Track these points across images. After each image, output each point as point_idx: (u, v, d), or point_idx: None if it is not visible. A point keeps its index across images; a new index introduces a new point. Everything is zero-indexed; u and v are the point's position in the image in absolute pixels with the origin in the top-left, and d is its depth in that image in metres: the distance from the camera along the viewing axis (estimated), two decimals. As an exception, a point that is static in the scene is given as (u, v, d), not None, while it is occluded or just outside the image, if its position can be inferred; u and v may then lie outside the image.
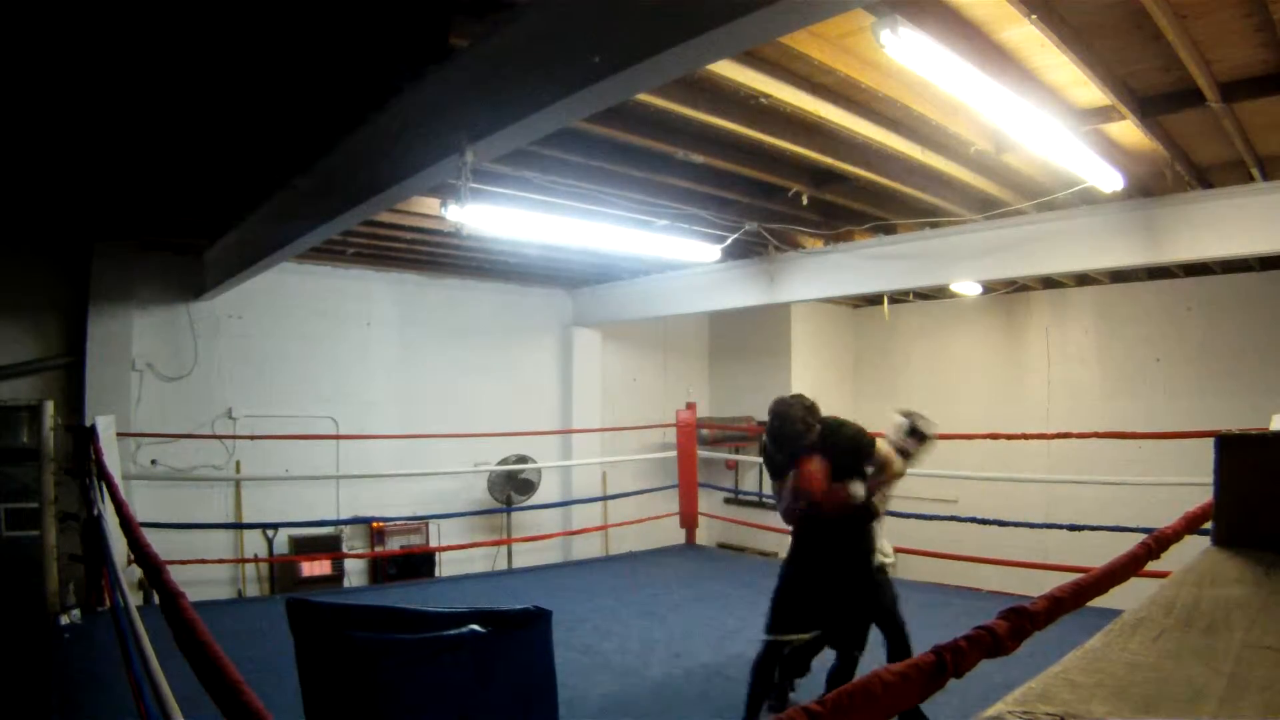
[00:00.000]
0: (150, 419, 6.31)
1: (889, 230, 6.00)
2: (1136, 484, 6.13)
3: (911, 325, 9.13)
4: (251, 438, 6.58)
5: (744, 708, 3.15)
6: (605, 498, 8.43)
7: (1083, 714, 0.59)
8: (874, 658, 3.21)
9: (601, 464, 8.62)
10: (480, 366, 8.08)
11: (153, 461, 6.40)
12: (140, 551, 1.93)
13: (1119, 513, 5.50)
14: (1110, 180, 4.31)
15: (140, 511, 5.50)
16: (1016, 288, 8.03)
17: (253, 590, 6.76)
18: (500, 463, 7.54)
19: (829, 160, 4.44)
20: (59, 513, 4.93)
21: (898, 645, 3.29)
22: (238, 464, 6.71)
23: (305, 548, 6.83)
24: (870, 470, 3.18)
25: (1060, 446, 7.18)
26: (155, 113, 3.85)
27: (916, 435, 3.53)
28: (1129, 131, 4.01)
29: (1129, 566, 1.40)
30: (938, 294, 8.57)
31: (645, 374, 9.49)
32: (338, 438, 6.99)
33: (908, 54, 2.79)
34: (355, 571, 7.16)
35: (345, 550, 7.00)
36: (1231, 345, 6.95)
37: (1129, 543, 1.49)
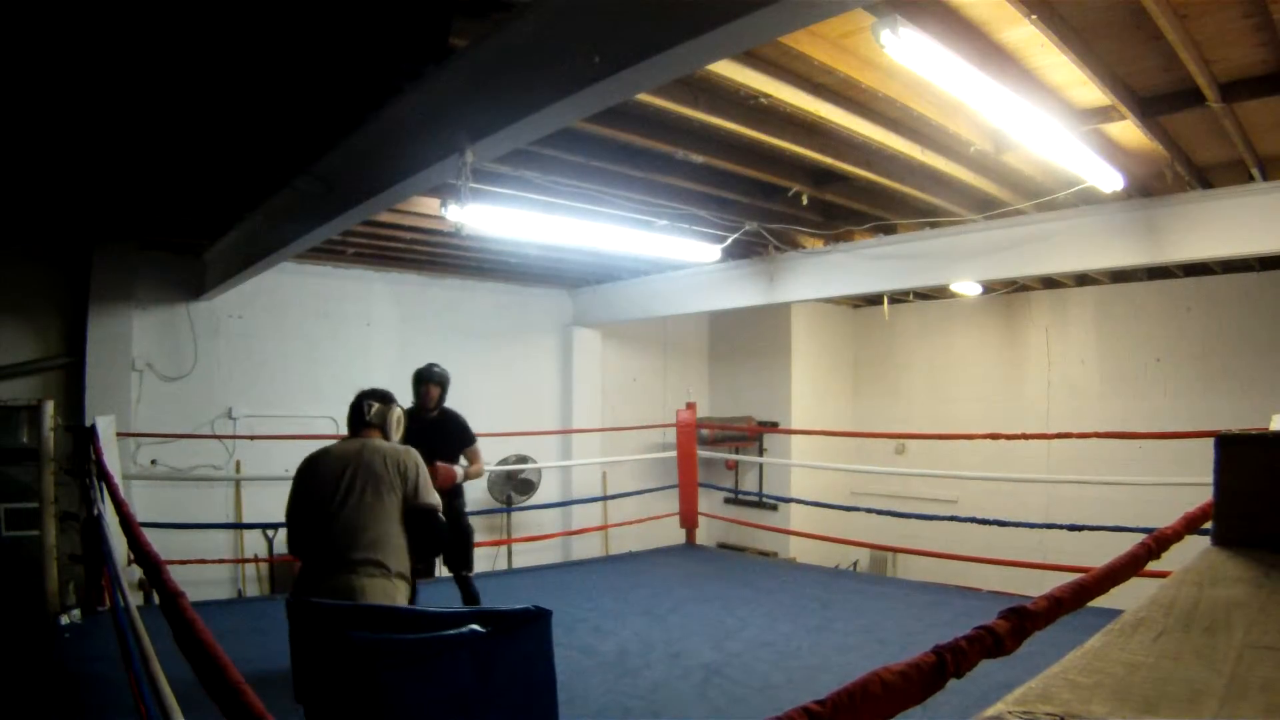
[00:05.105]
0: (150, 419, 6.31)
1: (889, 230, 6.00)
2: (1136, 484, 6.13)
3: (911, 325, 9.13)
4: (251, 438, 6.58)
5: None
6: (605, 498, 8.43)
7: (1083, 714, 0.59)
8: (875, 658, 3.21)
9: (601, 464, 8.61)
10: (480, 366, 8.08)
11: (153, 461, 6.40)
12: (140, 551, 1.93)
13: (1119, 513, 5.50)
14: (1110, 180, 4.30)
15: (140, 511, 5.50)
16: (1016, 288, 8.03)
17: (253, 590, 6.76)
18: (500, 463, 7.53)
19: (829, 160, 4.44)
20: (59, 513, 4.92)
21: None
22: (238, 464, 6.71)
23: (305, 548, 6.82)
24: None
25: (1060, 446, 7.18)
26: (155, 113, 3.85)
27: None
28: (1129, 131, 4.01)
29: (1129, 566, 1.40)
30: (938, 294, 8.57)
31: (645, 374, 9.48)
32: (338, 438, 6.97)
33: (908, 54, 2.78)
34: (355, 571, 7.15)
35: (345, 550, 6.99)
36: (1231, 345, 6.95)
37: (1129, 543, 1.49)
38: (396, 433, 3.16)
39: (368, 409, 3.03)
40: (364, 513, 2.78)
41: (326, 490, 2.83)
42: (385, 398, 3.13)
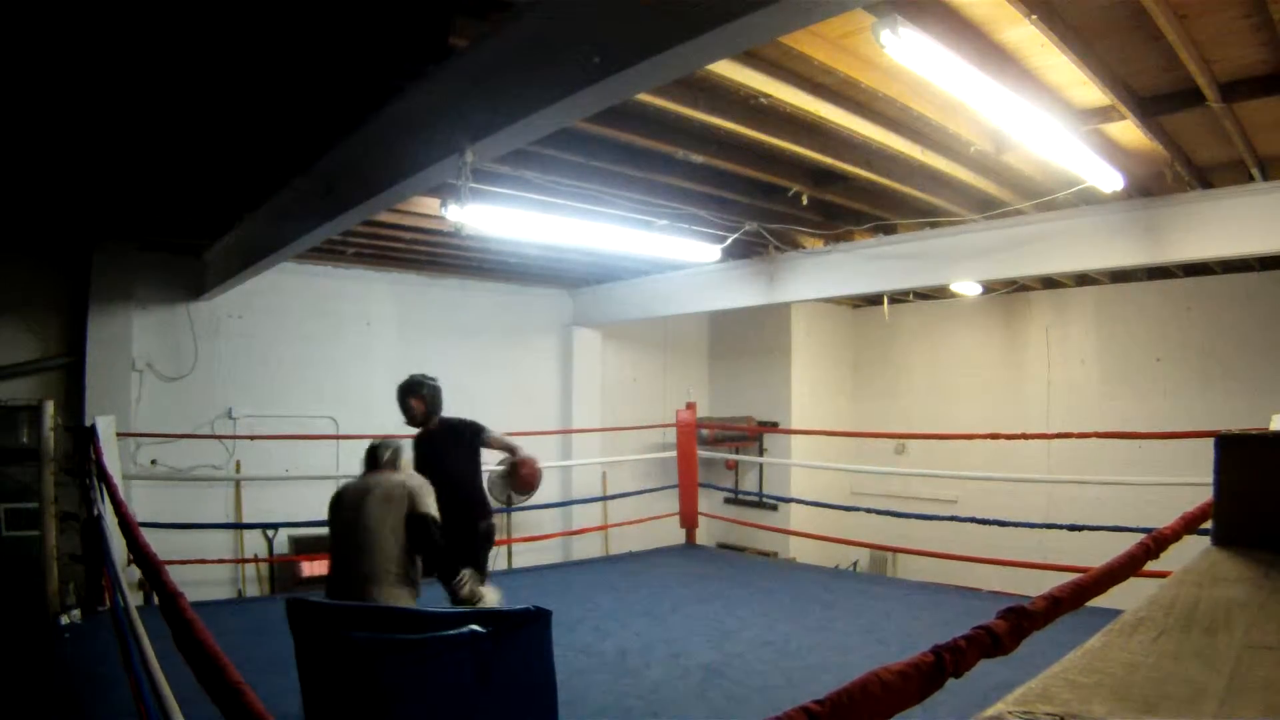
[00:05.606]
0: (150, 419, 6.31)
1: (889, 230, 6.00)
2: (1136, 484, 6.13)
3: (911, 325, 9.13)
4: (251, 438, 6.58)
5: None
6: (605, 498, 8.42)
7: (1083, 714, 0.59)
8: (875, 658, 3.21)
9: (601, 464, 8.61)
10: (480, 366, 8.08)
11: (153, 461, 6.40)
12: (140, 552, 1.93)
13: (1119, 513, 5.50)
14: (1110, 180, 4.30)
15: (140, 511, 5.50)
16: (1016, 288, 8.03)
17: (253, 590, 6.76)
18: (500, 463, 7.51)
19: (829, 160, 4.44)
20: (59, 513, 4.92)
21: None
22: (238, 464, 6.71)
23: (305, 548, 6.82)
24: None
25: (1060, 447, 7.19)
26: (155, 114, 3.85)
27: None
28: (1129, 131, 4.01)
29: (1129, 566, 1.40)
30: (938, 294, 8.57)
31: (645, 374, 9.48)
32: (338, 438, 6.98)
33: (908, 54, 2.78)
34: (355, 571, 7.15)
35: (345, 550, 6.99)
36: (1231, 345, 6.95)
37: (1129, 543, 1.49)
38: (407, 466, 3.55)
39: (382, 454, 3.42)
40: (374, 534, 3.18)
41: (347, 517, 3.25)
42: (394, 447, 3.50)
